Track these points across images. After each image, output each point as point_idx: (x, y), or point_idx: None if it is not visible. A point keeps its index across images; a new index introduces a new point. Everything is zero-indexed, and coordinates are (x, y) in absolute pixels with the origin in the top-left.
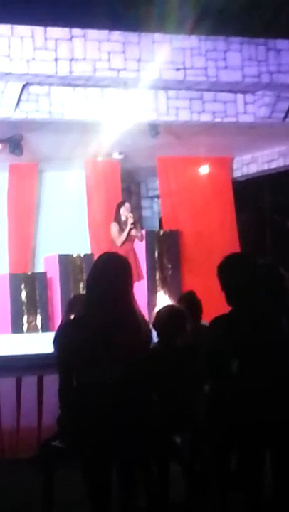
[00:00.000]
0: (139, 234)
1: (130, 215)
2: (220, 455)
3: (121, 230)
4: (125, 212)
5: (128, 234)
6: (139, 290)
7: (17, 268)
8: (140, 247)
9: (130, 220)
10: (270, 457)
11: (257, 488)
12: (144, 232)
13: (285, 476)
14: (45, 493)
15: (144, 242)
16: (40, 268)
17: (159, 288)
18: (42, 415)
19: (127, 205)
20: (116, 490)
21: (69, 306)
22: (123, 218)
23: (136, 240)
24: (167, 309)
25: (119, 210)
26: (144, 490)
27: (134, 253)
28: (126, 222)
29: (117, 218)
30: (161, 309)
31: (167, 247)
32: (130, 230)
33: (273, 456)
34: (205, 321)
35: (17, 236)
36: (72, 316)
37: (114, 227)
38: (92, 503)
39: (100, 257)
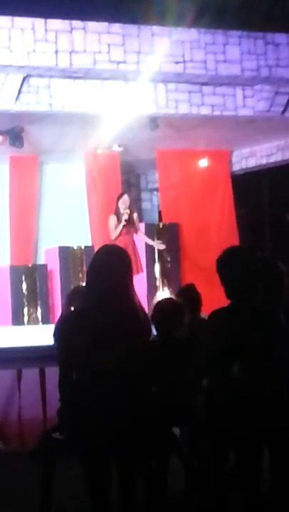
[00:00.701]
0: (138, 230)
1: (127, 210)
2: (218, 451)
3: (119, 222)
4: (122, 205)
5: (122, 229)
6: (139, 283)
7: (19, 260)
8: (140, 240)
9: (125, 217)
10: (267, 453)
11: (255, 485)
12: (142, 225)
13: (283, 472)
14: (45, 484)
15: (144, 242)
16: (40, 260)
17: (158, 281)
18: (46, 407)
19: (124, 197)
20: (115, 483)
21: (69, 298)
22: (121, 211)
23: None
24: (165, 302)
25: (117, 202)
26: (143, 483)
27: (134, 246)
28: (124, 215)
29: (117, 211)
30: (159, 302)
31: (167, 240)
32: (124, 226)
33: (271, 453)
34: (204, 313)
35: (19, 228)
36: (72, 309)
37: (112, 219)
38: (91, 496)
39: (100, 249)
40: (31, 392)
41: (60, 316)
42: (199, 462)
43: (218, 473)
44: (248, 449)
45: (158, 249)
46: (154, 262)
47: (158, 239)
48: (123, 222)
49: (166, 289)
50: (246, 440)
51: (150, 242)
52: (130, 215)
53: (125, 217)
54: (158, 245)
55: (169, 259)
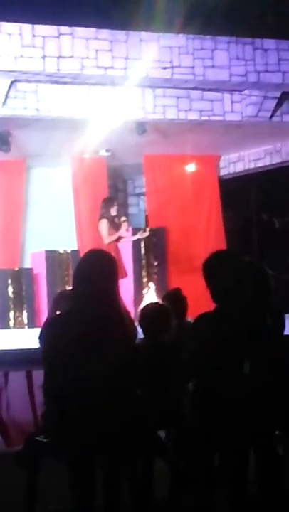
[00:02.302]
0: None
1: (124, 218)
2: (204, 453)
3: (112, 228)
4: (114, 212)
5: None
6: (126, 287)
7: (5, 264)
8: (127, 244)
9: (125, 225)
10: (253, 455)
11: (239, 488)
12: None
13: (268, 473)
14: (29, 487)
15: (131, 240)
16: (26, 264)
17: (145, 285)
18: (36, 410)
19: (116, 205)
20: (100, 486)
21: (55, 302)
22: (113, 215)
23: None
24: (152, 306)
25: (108, 208)
26: (128, 486)
27: (118, 250)
28: (115, 220)
29: (107, 216)
30: (146, 306)
31: (153, 245)
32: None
33: (256, 454)
34: (190, 317)
35: (5, 232)
36: (57, 312)
37: (104, 223)
38: (75, 499)
39: (86, 254)
40: (20, 395)
41: (46, 320)
42: (185, 464)
43: (205, 474)
44: (234, 450)
45: (144, 254)
46: (141, 266)
47: (145, 243)
48: (123, 232)
49: (152, 293)
50: (232, 441)
51: (134, 237)
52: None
53: (126, 226)
54: (142, 234)
55: (155, 263)
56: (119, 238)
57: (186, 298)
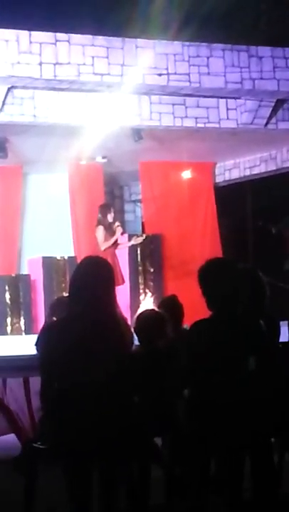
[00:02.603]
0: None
1: (118, 223)
2: (200, 459)
3: (108, 234)
4: (111, 219)
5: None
6: (122, 294)
7: (2, 270)
8: (123, 251)
9: (120, 230)
10: (249, 461)
11: (236, 493)
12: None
13: (264, 479)
14: (27, 493)
15: (127, 246)
16: (24, 270)
17: (141, 292)
18: (33, 416)
19: (112, 210)
20: (97, 492)
21: (52, 308)
22: (109, 221)
23: (119, 245)
24: (147, 313)
25: (105, 214)
26: (125, 491)
27: (115, 257)
28: (112, 226)
29: (103, 222)
30: (142, 313)
31: (150, 251)
32: (116, 239)
33: (252, 460)
34: (186, 324)
35: (2, 238)
36: (54, 319)
37: (100, 230)
38: (72, 505)
39: (83, 260)
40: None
41: (43, 326)
42: (180, 470)
43: (200, 480)
44: (231, 456)
45: (141, 260)
46: (137, 272)
47: (141, 250)
48: (117, 236)
49: (149, 299)
50: (228, 447)
51: (130, 243)
52: (123, 230)
53: (120, 230)
54: (136, 240)
55: (152, 270)
56: (116, 244)
57: (181, 305)
